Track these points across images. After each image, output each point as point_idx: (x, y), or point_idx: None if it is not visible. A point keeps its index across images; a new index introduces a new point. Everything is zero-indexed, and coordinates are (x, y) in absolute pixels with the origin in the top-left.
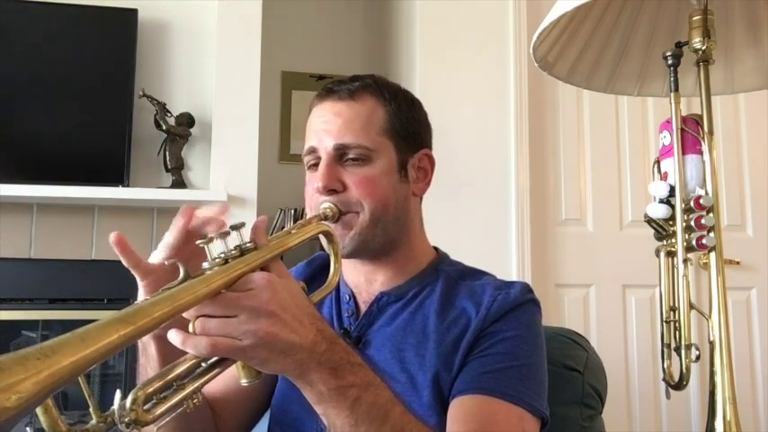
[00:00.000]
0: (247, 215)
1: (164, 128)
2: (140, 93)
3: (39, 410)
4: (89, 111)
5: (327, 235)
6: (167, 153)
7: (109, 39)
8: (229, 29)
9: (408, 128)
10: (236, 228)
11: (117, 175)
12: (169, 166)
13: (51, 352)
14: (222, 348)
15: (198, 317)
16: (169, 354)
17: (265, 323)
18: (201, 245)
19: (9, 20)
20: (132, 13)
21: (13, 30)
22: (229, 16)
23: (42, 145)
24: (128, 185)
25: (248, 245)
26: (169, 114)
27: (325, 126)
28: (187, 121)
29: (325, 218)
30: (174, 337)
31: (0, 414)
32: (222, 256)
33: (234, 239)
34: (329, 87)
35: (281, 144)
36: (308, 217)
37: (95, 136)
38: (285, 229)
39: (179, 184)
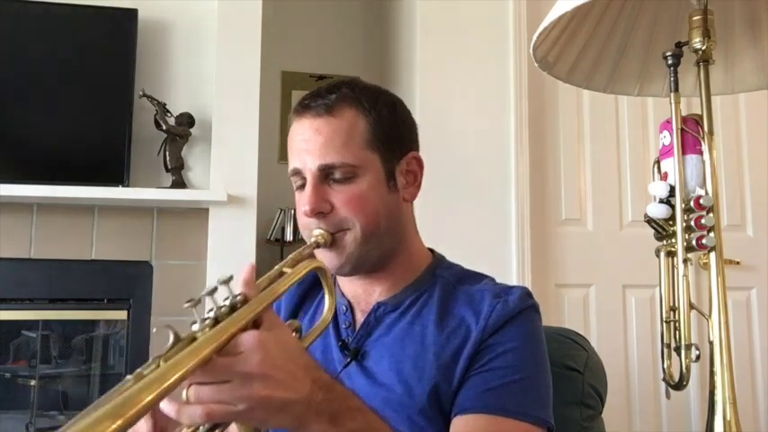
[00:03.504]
0: (247, 215)
1: (164, 128)
2: (140, 93)
3: None
4: (89, 111)
5: (320, 271)
6: (167, 153)
7: (109, 39)
8: (229, 29)
9: (392, 134)
10: (225, 282)
11: (117, 175)
12: (169, 166)
13: None
14: (217, 415)
15: (190, 384)
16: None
17: (258, 387)
18: (189, 307)
19: (9, 20)
20: (132, 13)
21: (13, 30)
22: (229, 16)
23: (42, 145)
24: (128, 185)
25: (238, 298)
26: (169, 114)
27: (306, 145)
28: (187, 121)
29: (318, 246)
30: (167, 407)
31: None
32: (212, 314)
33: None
34: (306, 103)
35: (281, 144)
36: (304, 246)
37: (95, 136)
38: (276, 267)
39: (179, 184)
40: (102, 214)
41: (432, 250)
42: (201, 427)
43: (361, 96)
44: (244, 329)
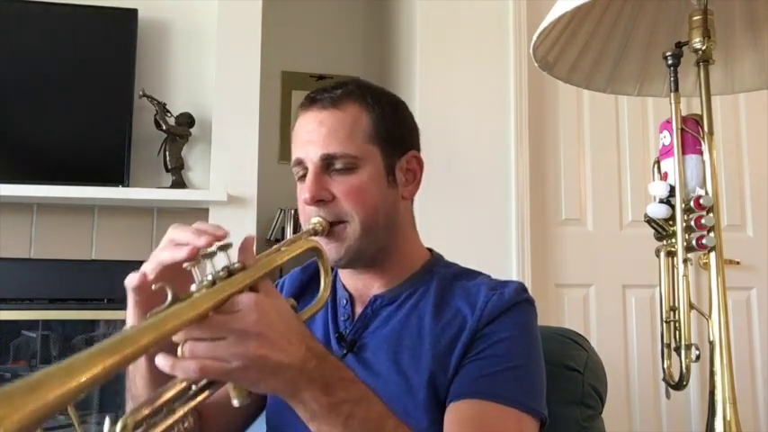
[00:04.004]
0: (247, 215)
1: (164, 128)
2: (140, 93)
3: None
4: (89, 111)
5: (317, 251)
6: (167, 153)
7: (109, 39)
8: (229, 29)
9: (394, 131)
10: (224, 248)
11: (117, 175)
12: (169, 166)
13: (37, 386)
14: (211, 371)
15: (186, 340)
16: (157, 380)
17: (254, 345)
18: (189, 267)
19: (9, 20)
20: (132, 13)
21: (13, 30)
22: (229, 16)
23: (42, 145)
24: (128, 185)
25: (236, 265)
26: (169, 114)
27: (310, 136)
28: (187, 121)
29: (315, 233)
30: (162, 362)
31: None
32: (210, 277)
33: (222, 259)
34: (312, 96)
35: (281, 144)
36: (301, 231)
37: (95, 136)
38: (275, 246)
39: (179, 184)
40: (102, 214)
41: (430, 249)
42: (194, 386)
43: (365, 93)
44: (240, 293)
